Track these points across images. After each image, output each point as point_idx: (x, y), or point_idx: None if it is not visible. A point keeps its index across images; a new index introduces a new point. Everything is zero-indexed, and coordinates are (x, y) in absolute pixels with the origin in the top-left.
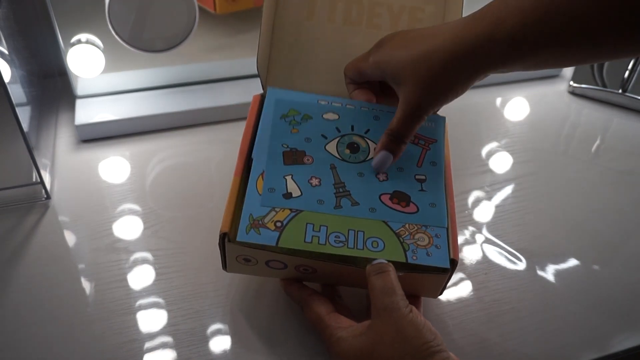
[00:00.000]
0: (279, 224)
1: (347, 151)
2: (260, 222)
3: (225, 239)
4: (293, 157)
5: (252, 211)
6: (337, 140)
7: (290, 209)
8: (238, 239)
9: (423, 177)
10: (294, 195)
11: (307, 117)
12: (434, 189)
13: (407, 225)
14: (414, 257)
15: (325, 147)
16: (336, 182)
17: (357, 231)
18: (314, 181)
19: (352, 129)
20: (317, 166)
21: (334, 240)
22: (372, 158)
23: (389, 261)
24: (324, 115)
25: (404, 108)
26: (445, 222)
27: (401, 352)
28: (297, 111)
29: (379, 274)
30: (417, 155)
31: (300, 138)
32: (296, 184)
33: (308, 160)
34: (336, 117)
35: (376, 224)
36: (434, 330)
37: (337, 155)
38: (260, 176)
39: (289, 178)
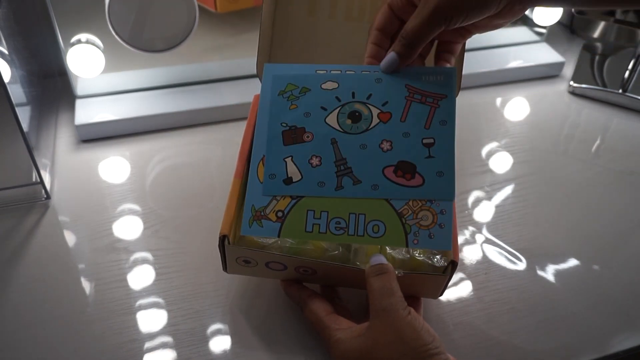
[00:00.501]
0: (280, 214)
1: (349, 121)
2: (262, 213)
3: (225, 241)
4: (292, 137)
5: (254, 202)
6: (337, 110)
7: (291, 197)
8: (242, 233)
9: (431, 141)
10: (294, 180)
11: (305, 90)
12: (443, 153)
13: (410, 203)
14: (415, 241)
15: (325, 120)
16: (337, 159)
17: (358, 214)
18: (315, 161)
19: (353, 95)
20: (317, 143)
21: (335, 228)
22: (375, 126)
23: (389, 259)
24: (322, 86)
25: (421, 8)
26: (453, 195)
27: (399, 353)
28: (295, 85)
29: (378, 275)
30: (424, 115)
31: (299, 113)
32: (296, 167)
33: (308, 137)
34: (335, 85)
35: (378, 204)
36: (433, 332)
37: (338, 127)
38: (261, 161)
39: (289, 160)
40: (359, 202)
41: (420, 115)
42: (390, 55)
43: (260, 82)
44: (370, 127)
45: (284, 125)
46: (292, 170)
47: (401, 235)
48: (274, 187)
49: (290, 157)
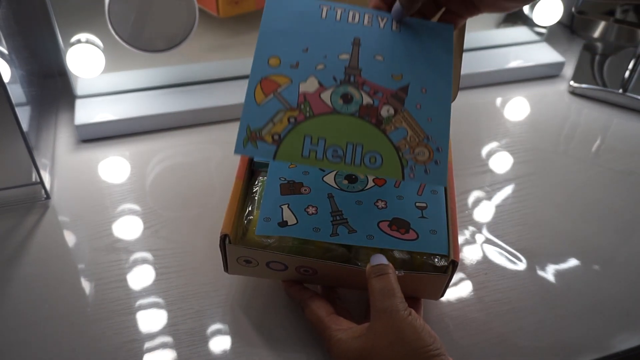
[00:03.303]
0: (276, 137)
1: (345, 182)
2: (257, 134)
3: (226, 240)
4: (290, 189)
5: (250, 121)
6: (335, 171)
7: (289, 120)
8: (235, 152)
9: (424, 205)
10: (289, 224)
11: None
12: (435, 216)
13: (408, 138)
14: (411, 175)
15: (323, 179)
16: (333, 210)
17: (356, 144)
18: (311, 209)
19: None
20: (314, 195)
21: (332, 155)
22: (370, 187)
23: (390, 263)
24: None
25: None
26: (447, 250)
27: (400, 354)
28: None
29: (379, 276)
30: (417, 184)
31: (298, 171)
32: (292, 213)
33: (305, 190)
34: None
35: (376, 136)
36: (433, 333)
37: (335, 185)
38: (259, 84)
39: (285, 207)
40: (357, 133)
41: (412, 184)
42: (397, 5)
43: None
44: (366, 188)
45: (282, 179)
46: (288, 215)
47: (398, 168)
48: (268, 229)
49: (287, 205)
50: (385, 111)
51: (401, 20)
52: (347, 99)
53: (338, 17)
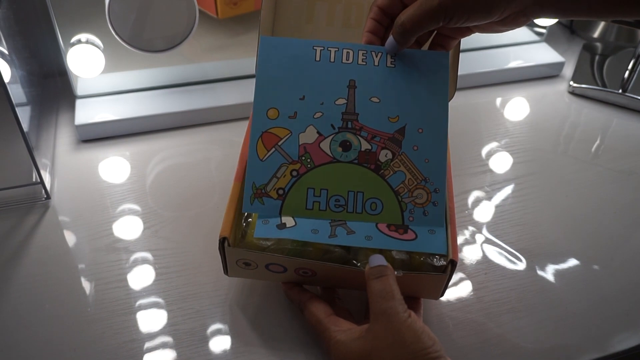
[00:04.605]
0: (280, 192)
1: None
2: (263, 190)
3: (225, 243)
4: None
5: (255, 179)
6: None
7: (292, 174)
8: (243, 210)
9: None
10: (288, 226)
11: None
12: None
13: (406, 181)
14: (411, 219)
15: None
16: None
17: (357, 192)
18: None
19: None
20: None
21: (334, 205)
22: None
23: (389, 264)
24: None
25: (420, 2)
26: (445, 249)
27: (399, 357)
28: None
29: (378, 277)
30: None
31: None
32: (291, 216)
33: None
34: None
35: (376, 183)
36: (433, 335)
37: None
38: (260, 139)
39: None
40: (358, 180)
41: None
42: (390, 40)
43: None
44: None
45: None
46: (287, 218)
47: (397, 213)
48: (267, 231)
49: None
50: (384, 156)
51: (396, 54)
52: (345, 146)
53: (332, 58)
